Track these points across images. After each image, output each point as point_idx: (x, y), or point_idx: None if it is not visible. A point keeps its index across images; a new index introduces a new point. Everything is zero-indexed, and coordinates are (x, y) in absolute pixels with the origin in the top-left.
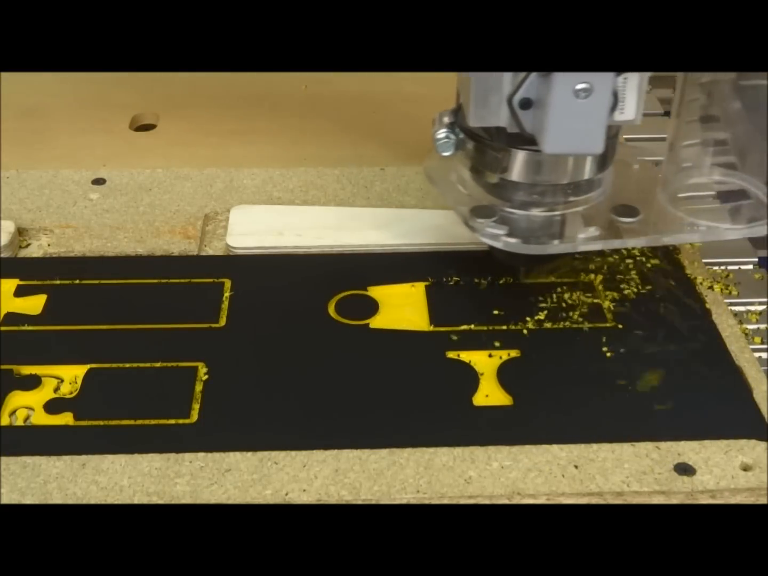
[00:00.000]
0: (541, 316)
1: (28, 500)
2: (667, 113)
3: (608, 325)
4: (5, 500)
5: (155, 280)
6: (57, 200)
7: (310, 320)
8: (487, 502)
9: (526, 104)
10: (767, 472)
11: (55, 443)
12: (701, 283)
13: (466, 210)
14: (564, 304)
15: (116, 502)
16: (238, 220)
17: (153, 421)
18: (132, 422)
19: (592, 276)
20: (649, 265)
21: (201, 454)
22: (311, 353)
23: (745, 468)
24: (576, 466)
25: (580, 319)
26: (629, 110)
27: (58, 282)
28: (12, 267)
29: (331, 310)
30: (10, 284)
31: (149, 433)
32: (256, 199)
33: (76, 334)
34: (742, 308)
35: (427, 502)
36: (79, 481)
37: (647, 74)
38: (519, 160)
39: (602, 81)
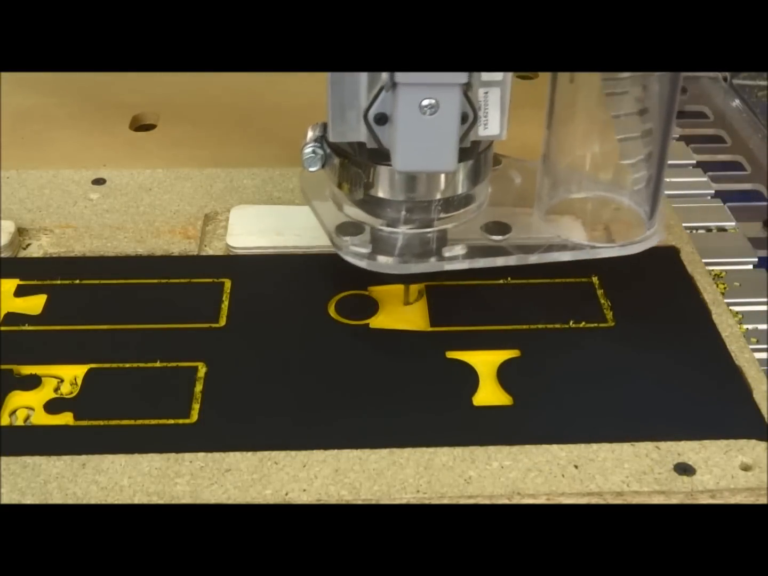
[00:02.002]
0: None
1: (28, 500)
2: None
3: (608, 325)
4: (5, 500)
5: (155, 280)
6: (57, 200)
7: (310, 320)
8: (487, 502)
9: (381, 119)
10: (767, 472)
11: (55, 443)
12: (701, 283)
13: (332, 227)
14: (564, 304)
15: (116, 502)
16: (238, 220)
17: (153, 421)
18: (132, 422)
19: (593, 276)
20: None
21: (201, 454)
22: (311, 353)
23: (745, 468)
24: (576, 466)
25: (580, 319)
26: (493, 125)
27: (58, 282)
28: (12, 267)
29: (331, 310)
30: (10, 284)
31: (149, 433)
32: (256, 199)
33: (76, 334)
34: (742, 308)
35: (427, 502)
36: (79, 481)
37: (509, 88)
38: (383, 176)
39: (448, 97)
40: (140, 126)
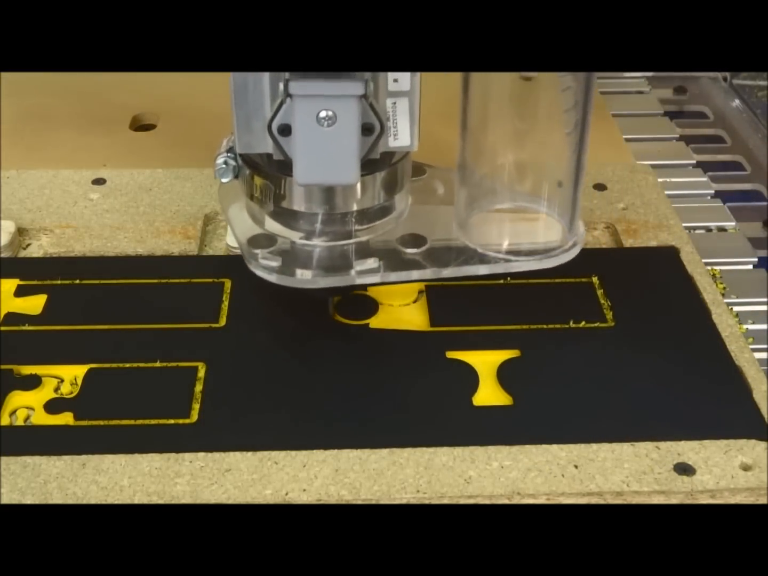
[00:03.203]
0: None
1: (28, 500)
2: (666, 113)
3: (608, 325)
4: (5, 500)
5: (155, 280)
6: (57, 200)
7: (310, 320)
8: (487, 502)
9: (285, 130)
10: (767, 472)
11: (55, 443)
12: (701, 283)
13: (244, 239)
14: (564, 304)
15: (116, 502)
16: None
17: (153, 421)
18: (132, 422)
19: (593, 276)
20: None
21: (201, 454)
22: (311, 353)
23: (745, 468)
24: (576, 466)
25: (580, 319)
26: (403, 136)
27: (58, 282)
28: (12, 267)
29: (331, 310)
30: (10, 284)
31: (149, 433)
32: None
33: (76, 334)
34: (742, 308)
35: (427, 502)
36: (79, 481)
37: (417, 99)
38: (294, 187)
39: (346, 108)
40: (140, 126)
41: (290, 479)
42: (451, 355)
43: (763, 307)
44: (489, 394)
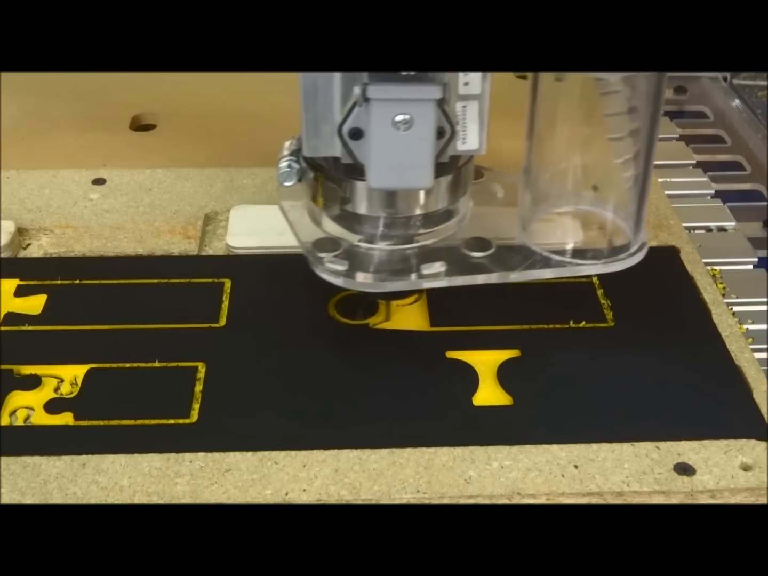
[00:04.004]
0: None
1: (28, 500)
2: (666, 113)
3: (608, 325)
4: (5, 500)
5: (155, 280)
6: (57, 200)
7: (310, 320)
8: (487, 502)
9: (356, 134)
10: (767, 472)
11: (55, 443)
12: (701, 283)
13: (309, 243)
14: (564, 304)
15: (116, 502)
16: (238, 220)
17: (153, 421)
18: (132, 422)
19: (593, 276)
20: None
21: (201, 454)
22: (311, 353)
23: (745, 468)
24: (576, 466)
25: (580, 319)
26: (472, 140)
27: (58, 282)
28: (12, 267)
29: (331, 310)
30: (10, 284)
31: (149, 433)
32: (256, 199)
33: (76, 334)
34: (742, 308)
35: (427, 502)
36: (79, 481)
37: (487, 103)
38: (360, 191)
39: (423, 112)
40: (140, 126)
41: (290, 479)
42: (451, 355)
43: (763, 307)
44: (489, 394)
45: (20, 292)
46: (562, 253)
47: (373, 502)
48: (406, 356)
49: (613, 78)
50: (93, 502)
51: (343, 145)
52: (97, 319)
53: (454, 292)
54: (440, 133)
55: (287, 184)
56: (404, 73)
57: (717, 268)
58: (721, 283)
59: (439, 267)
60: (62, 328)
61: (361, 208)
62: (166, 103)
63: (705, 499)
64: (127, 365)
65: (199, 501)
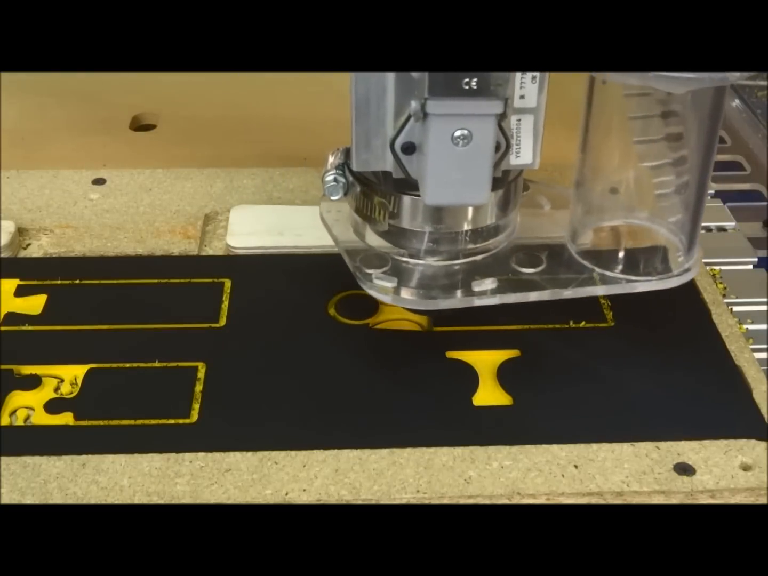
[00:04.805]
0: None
1: (28, 500)
2: (665, 114)
3: (608, 325)
4: (5, 500)
5: (155, 280)
6: (57, 200)
7: (310, 320)
8: (487, 502)
9: (408, 149)
10: (767, 472)
11: (55, 443)
12: (701, 283)
13: (356, 258)
14: (564, 304)
15: (116, 502)
16: (238, 220)
17: (153, 421)
18: (132, 422)
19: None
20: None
21: (201, 454)
22: (311, 353)
23: (745, 468)
24: (576, 466)
25: (580, 319)
26: (526, 154)
27: (58, 282)
28: (12, 267)
29: (331, 310)
30: (10, 284)
31: (149, 433)
32: (256, 199)
33: (76, 334)
34: (742, 308)
35: (427, 502)
36: (79, 481)
37: (542, 117)
38: (409, 206)
39: (483, 127)
40: (140, 126)
41: (290, 479)
42: (451, 355)
43: (763, 307)
44: (489, 394)
45: (20, 292)
46: (613, 268)
47: (373, 502)
48: (406, 356)
49: (679, 90)
50: (93, 502)
51: (395, 160)
52: (97, 319)
53: None
54: (496, 147)
55: (333, 198)
56: (465, 87)
57: (717, 268)
58: (721, 283)
59: (490, 284)
60: (62, 328)
61: (410, 222)
62: (166, 103)
63: (705, 499)
64: (127, 365)
65: (199, 501)
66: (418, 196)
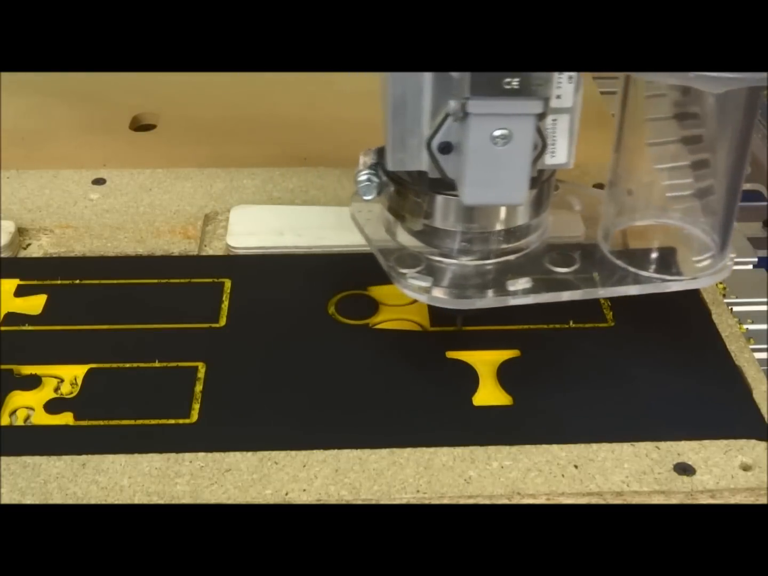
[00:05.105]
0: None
1: (28, 500)
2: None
3: (608, 325)
4: (5, 500)
5: (155, 280)
6: (57, 200)
7: (310, 320)
8: (487, 502)
9: (445, 149)
10: (767, 472)
11: (55, 443)
12: None
13: (390, 258)
14: (564, 304)
15: (116, 502)
16: (238, 220)
17: (153, 421)
18: (132, 422)
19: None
20: None
21: (201, 454)
22: (311, 353)
23: (745, 468)
24: (576, 466)
25: (580, 319)
26: (561, 154)
27: (58, 282)
28: (12, 267)
29: (331, 310)
30: (10, 284)
31: (149, 433)
32: (256, 199)
33: (76, 334)
34: (742, 308)
35: (427, 502)
36: (79, 481)
37: (578, 116)
38: (443, 205)
39: (523, 127)
40: (140, 126)
41: (290, 479)
42: (451, 355)
43: (763, 307)
44: (489, 394)
45: (20, 292)
46: (646, 267)
47: (373, 502)
48: (406, 356)
49: (717, 90)
50: (93, 502)
51: (432, 160)
52: (97, 319)
53: None
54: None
55: (367, 198)
56: (506, 87)
57: None
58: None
59: (524, 283)
60: (62, 328)
61: (444, 222)
62: (166, 103)
63: (705, 499)
64: (127, 365)
65: (199, 501)
66: (454, 195)
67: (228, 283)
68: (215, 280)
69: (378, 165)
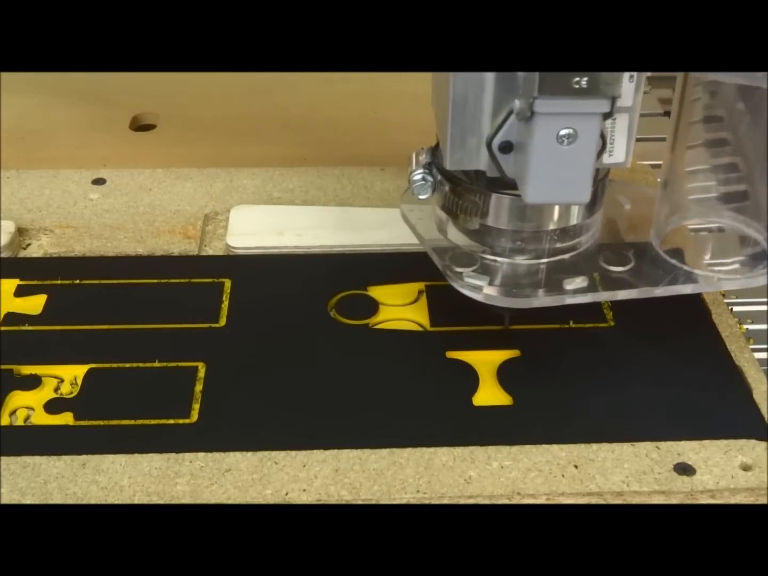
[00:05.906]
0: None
1: (28, 500)
2: (666, 113)
3: (608, 325)
4: (5, 500)
5: (155, 280)
6: (57, 200)
7: (310, 320)
8: (487, 502)
9: (506, 148)
10: (767, 472)
11: (55, 443)
12: None
13: (445, 257)
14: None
15: (116, 502)
16: (238, 220)
17: (153, 421)
18: (132, 422)
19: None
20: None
21: (201, 454)
22: (311, 353)
23: (745, 468)
24: (576, 466)
25: (580, 319)
26: (619, 153)
27: (58, 282)
28: (12, 267)
29: (331, 310)
30: (10, 284)
31: (149, 433)
32: (256, 199)
33: (76, 334)
34: (742, 308)
35: (427, 502)
36: (79, 481)
37: (637, 116)
38: (500, 205)
39: (588, 127)
40: (140, 126)
41: (290, 479)
42: (451, 355)
43: (763, 307)
44: (489, 394)
45: (20, 292)
46: (700, 266)
47: (373, 502)
48: (406, 356)
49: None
50: (93, 502)
51: (492, 159)
52: (97, 319)
53: (454, 292)
54: None
55: (422, 197)
56: (574, 86)
57: None
58: None
59: (581, 282)
60: (62, 328)
61: (500, 221)
62: (166, 103)
63: (705, 499)
64: (127, 365)
65: (199, 501)
66: (513, 194)
67: (228, 283)
68: (215, 280)
69: (431, 164)
